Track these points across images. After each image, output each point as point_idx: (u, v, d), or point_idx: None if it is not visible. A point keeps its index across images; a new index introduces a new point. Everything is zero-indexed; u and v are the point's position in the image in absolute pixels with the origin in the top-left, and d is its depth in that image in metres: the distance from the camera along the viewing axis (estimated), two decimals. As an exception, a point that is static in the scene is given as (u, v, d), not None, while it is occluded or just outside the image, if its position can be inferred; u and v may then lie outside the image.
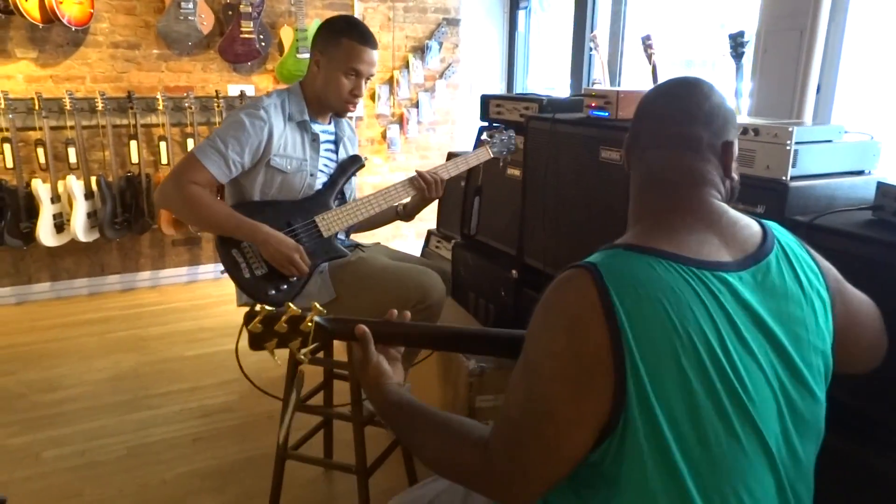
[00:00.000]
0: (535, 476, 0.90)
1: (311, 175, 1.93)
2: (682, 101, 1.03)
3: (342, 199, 2.02)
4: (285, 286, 1.83)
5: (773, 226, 1.03)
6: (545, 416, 0.88)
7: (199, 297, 4.15)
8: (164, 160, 4.14)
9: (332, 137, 2.02)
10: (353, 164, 2.03)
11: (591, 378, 0.85)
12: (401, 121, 4.83)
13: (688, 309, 0.87)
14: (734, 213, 1.01)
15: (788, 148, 1.43)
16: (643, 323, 0.85)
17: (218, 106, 4.19)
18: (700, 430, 0.85)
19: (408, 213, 2.11)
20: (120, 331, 3.61)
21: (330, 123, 2.02)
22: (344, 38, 1.87)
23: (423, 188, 1.97)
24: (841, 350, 1.02)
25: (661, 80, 1.22)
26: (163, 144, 4.13)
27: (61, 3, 3.66)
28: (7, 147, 3.78)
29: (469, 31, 4.93)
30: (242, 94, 4.26)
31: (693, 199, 0.99)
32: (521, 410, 0.91)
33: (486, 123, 2.89)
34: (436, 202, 2.13)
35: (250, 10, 4.14)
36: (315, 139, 1.94)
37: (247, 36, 4.19)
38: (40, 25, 3.72)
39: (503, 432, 0.92)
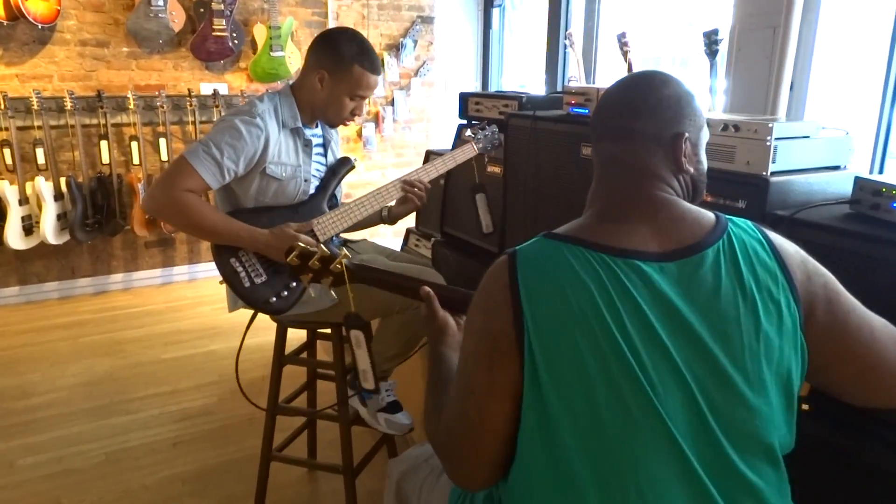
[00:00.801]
0: (467, 451, 0.97)
1: (305, 181, 1.90)
2: (627, 93, 1.03)
3: (334, 202, 2.00)
4: (285, 293, 1.79)
5: (738, 223, 0.99)
6: (467, 388, 0.96)
7: (174, 299, 4.09)
8: (135, 160, 4.06)
9: (321, 141, 2.00)
10: (343, 167, 2.01)
11: (500, 354, 0.92)
12: (376, 119, 4.82)
13: (589, 293, 0.89)
14: (684, 208, 0.99)
15: (768, 144, 1.45)
16: (542, 304, 0.90)
17: (190, 105, 4.13)
18: (595, 412, 0.87)
19: (392, 218, 2.10)
20: (93, 335, 3.54)
21: (317, 127, 2.00)
22: (356, 65, 1.83)
23: (412, 197, 1.96)
24: (836, 372, 0.98)
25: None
26: (134, 144, 4.05)
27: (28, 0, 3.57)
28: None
29: (443, 29, 4.93)
30: (215, 93, 4.21)
31: (631, 191, 0.99)
32: (455, 386, 1.00)
33: (464, 121, 2.89)
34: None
35: (222, 7, 4.08)
36: (307, 145, 1.91)
37: (219, 34, 4.13)
38: (5, 23, 3.63)
39: (447, 409, 1.01)
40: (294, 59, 4.36)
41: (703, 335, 0.89)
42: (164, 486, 2.27)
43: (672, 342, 0.88)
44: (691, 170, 1.02)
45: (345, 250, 1.33)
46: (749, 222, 1.00)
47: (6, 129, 3.73)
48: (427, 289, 1.24)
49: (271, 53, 4.28)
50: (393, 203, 2.03)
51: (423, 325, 1.25)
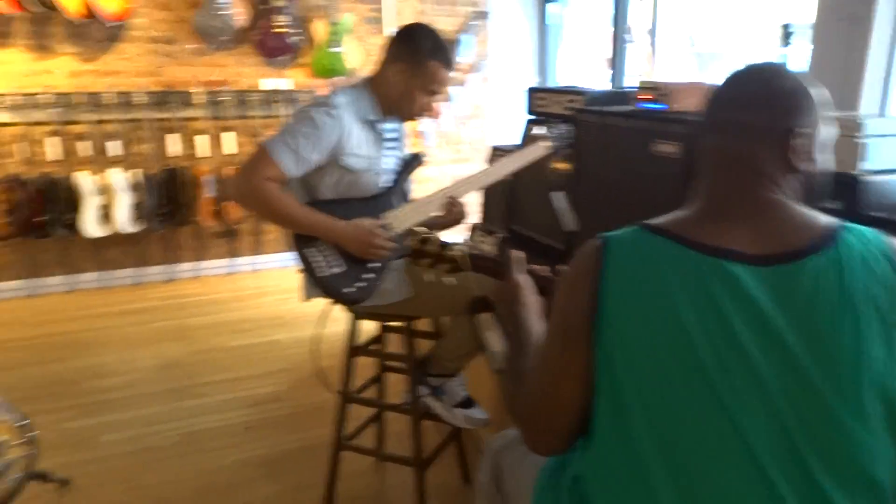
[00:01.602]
0: (538, 420, 1.01)
1: (379, 174, 1.94)
2: (739, 85, 0.99)
3: (404, 196, 2.04)
4: (361, 283, 1.83)
5: (858, 231, 0.91)
6: (544, 363, 1.00)
7: (239, 289, 4.22)
8: (201, 153, 4.20)
9: (395, 135, 2.04)
10: (413, 162, 2.05)
11: (574, 336, 0.94)
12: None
13: (669, 290, 0.88)
14: (793, 210, 0.93)
15: (860, 141, 1.43)
16: (620, 295, 0.91)
17: (253, 100, 4.24)
18: (669, 412, 0.86)
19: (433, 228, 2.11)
20: (163, 320, 3.68)
21: (391, 121, 2.04)
22: (432, 60, 1.86)
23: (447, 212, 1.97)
24: None
25: (704, 71, 1.20)
26: (199, 138, 4.19)
27: (101, -1, 3.72)
28: (54, 140, 3.88)
29: (500, 25, 4.93)
30: (277, 89, 4.31)
31: (735, 189, 0.95)
32: (536, 357, 1.05)
33: (533, 117, 2.90)
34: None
35: (284, 4, 4.17)
36: (383, 138, 1.95)
37: (280, 30, 4.22)
38: (80, 21, 3.78)
39: (527, 378, 1.05)
40: (352, 55, 4.42)
41: (793, 346, 0.84)
42: (238, 469, 2.36)
43: (756, 350, 0.84)
44: (805, 168, 0.96)
45: (465, 238, 1.39)
46: (876, 232, 0.92)
47: (82, 122, 3.90)
48: (517, 252, 1.29)
49: (330, 49, 4.34)
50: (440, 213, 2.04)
51: (495, 289, 1.28)
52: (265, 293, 4.09)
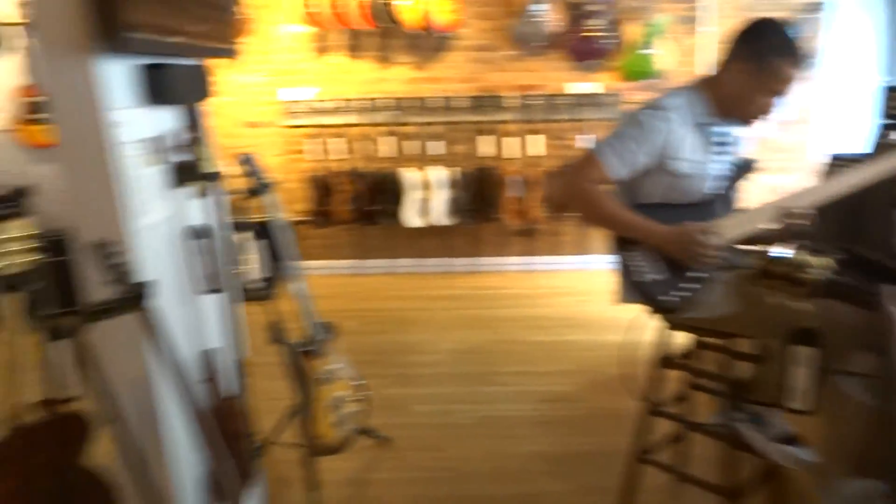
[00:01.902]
0: None
1: (708, 179, 1.85)
2: None
3: (728, 204, 1.91)
4: (684, 293, 1.77)
5: None
6: None
7: (536, 287, 4.38)
8: (508, 154, 4.44)
9: (727, 139, 1.92)
10: (745, 168, 1.90)
11: None
12: (752, 118, 4.46)
13: None
14: None
15: None
16: None
17: (561, 104, 4.35)
18: None
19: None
20: (468, 308, 3.99)
21: (728, 124, 1.92)
22: (777, 57, 1.72)
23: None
24: None
25: None
26: (508, 140, 4.43)
27: (436, 12, 4.11)
28: (388, 140, 4.45)
29: (837, 17, 4.33)
30: (585, 92, 4.36)
31: None
32: None
33: (889, 121, 2.50)
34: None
35: (599, 8, 4.18)
36: (716, 142, 1.85)
37: (594, 34, 4.25)
38: (417, 33, 4.25)
39: None
40: (665, 57, 4.27)
41: None
42: (528, 460, 2.44)
43: None
44: None
45: (828, 260, 1.25)
46: None
47: (412, 124, 4.41)
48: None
49: (643, 52, 4.25)
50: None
51: (860, 322, 1.14)
52: (560, 293, 4.19)
